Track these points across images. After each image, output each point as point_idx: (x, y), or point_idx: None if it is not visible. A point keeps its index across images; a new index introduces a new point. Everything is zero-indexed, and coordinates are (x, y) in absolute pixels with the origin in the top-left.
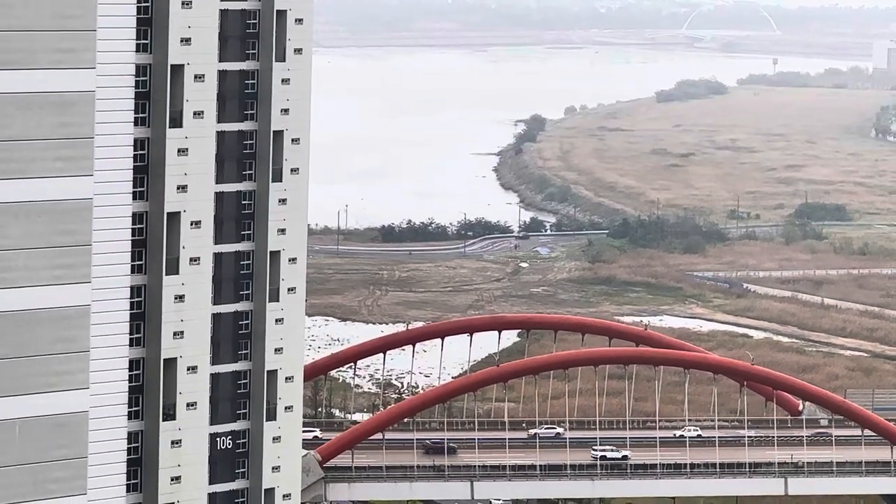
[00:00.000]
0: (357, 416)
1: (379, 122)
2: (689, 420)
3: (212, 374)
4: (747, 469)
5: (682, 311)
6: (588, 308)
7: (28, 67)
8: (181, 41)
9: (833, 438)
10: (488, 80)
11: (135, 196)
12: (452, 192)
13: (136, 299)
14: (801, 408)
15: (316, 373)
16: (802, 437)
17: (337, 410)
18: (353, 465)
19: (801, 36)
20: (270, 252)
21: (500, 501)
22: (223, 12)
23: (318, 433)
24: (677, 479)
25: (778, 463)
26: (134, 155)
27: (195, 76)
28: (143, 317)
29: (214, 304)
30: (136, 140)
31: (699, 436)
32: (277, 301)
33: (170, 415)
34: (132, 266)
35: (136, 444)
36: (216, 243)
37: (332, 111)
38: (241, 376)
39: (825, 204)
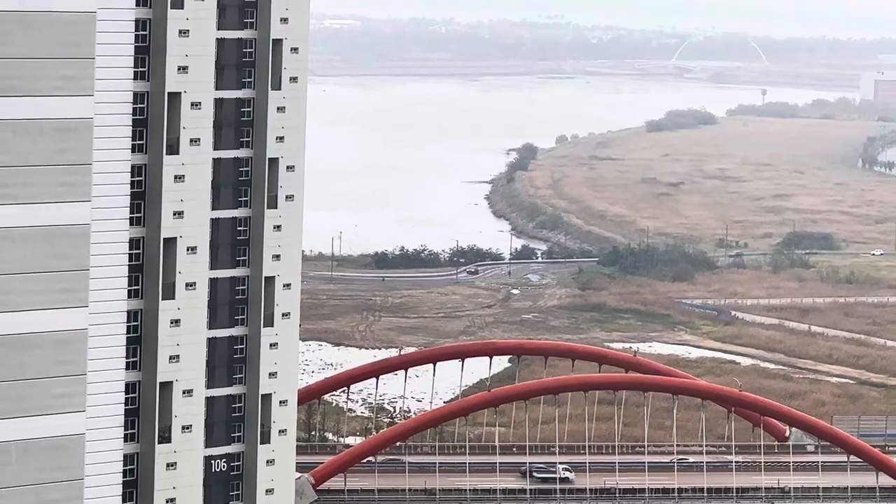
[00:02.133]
0: (350, 440)
1: (373, 149)
2: (677, 446)
3: (207, 398)
4: (734, 494)
5: (671, 337)
6: (578, 334)
7: (27, 94)
8: (178, 69)
9: (819, 464)
10: (481, 109)
11: (132, 221)
12: (445, 219)
13: (133, 323)
14: (787, 434)
15: (310, 397)
16: (789, 462)
17: (330, 434)
18: (345, 489)
19: (789, 67)
20: (265, 277)
21: None
22: (220, 41)
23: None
24: (665, 503)
25: (765, 488)
26: (131, 181)
27: (192, 104)
28: (140, 341)
29: (210, 329)
30: (133, 166)
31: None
32: (272, 326)
33: (165, 437)
34: (129, 291)
35: (131, 467)
36: (212, 269)
37: (326, 139)
38: (236, 400)
39: (812, 233)
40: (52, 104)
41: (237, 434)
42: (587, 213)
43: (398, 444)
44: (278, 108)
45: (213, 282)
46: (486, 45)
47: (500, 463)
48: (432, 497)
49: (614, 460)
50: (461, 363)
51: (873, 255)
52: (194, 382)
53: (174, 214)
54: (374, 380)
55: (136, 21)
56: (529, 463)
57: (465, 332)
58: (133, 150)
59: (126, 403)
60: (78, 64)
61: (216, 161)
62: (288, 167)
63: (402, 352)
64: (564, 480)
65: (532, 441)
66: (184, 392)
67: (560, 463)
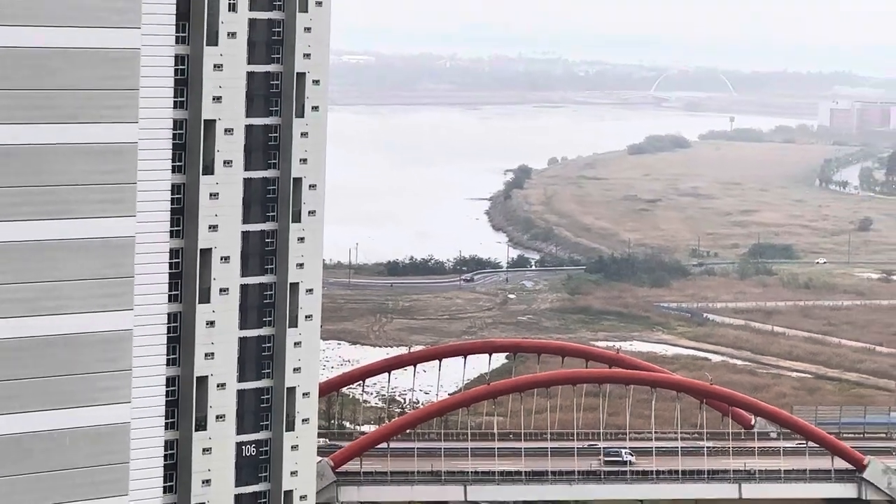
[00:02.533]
0: (365, 428)
1: (386, 170)
2: (655, 433)
3: (238, 391)
4: (706, 475)
5: (650, 337)
6: (567, 334)
7: (79, 122)
8: (213, 99)
9: (781, 449)
10: (481, 134)
11: (172, 234)
12: (449, 232)
13: (173, 324)
14: (753, 422)
15: (329, 389)
16: (754, 448)
17: (347, 423)
18: (361, 471)
19: (755, 97)
20: (290, 284)
21: None
22: (250, 74)
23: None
24: (645, 483)
25: (733, 470)
26: (171, 198)
27: (225, 130)
28: (179, 340)
29: (241, 329)
30: (173, 185)
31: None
32: (296, 327)
33: (201, 426)
34: (169, 295)
35: (171, 452)
36: (243, 276)
37: (344, 161)
38: (264, 392)
39: (775, 244)
40: (101, 130)
41: (265, 423)
42: (575, 227)
43: (408, 431)
44: (302, 134)
45: (244, 287)
46: (486, 78)
47: (497, 448)
48: (438, 478)
49: (600, 445)
50: (463, 360)
51: (817, 263)
52: (227, 377)
53: (209, 228)
54: (386, 374)
55: (176, 56)
56: (603, 448)
57: (467, 332)
58: (173, 171)
59: (166, 396)
60: (124, 94)
61: (246, 180)
62: (310, 186)
63: (412, 350)
64: (629, 463)
65: (526, 429)
66: (218, 385)
67: (624, 448)
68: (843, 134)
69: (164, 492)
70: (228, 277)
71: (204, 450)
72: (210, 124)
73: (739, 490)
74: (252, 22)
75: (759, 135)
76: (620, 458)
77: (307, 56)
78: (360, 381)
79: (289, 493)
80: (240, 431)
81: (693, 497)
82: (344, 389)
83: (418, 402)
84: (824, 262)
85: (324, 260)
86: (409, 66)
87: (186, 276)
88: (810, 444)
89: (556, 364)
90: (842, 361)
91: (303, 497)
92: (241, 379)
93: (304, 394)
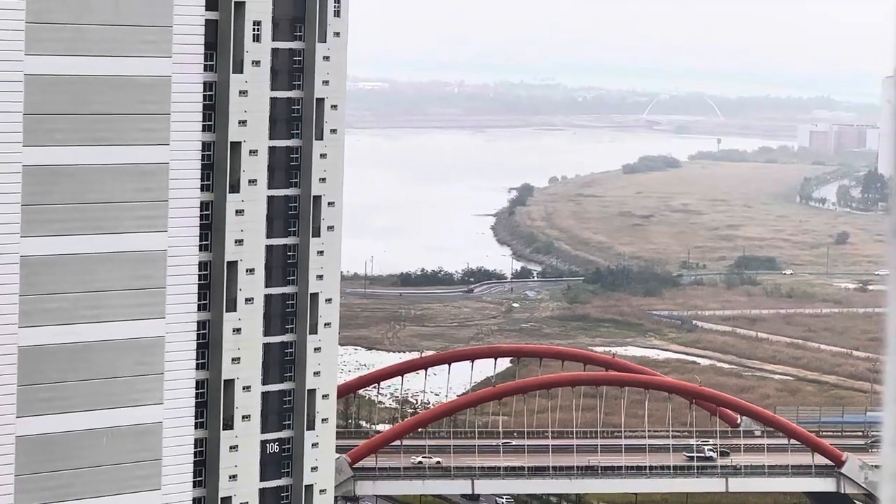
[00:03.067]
0: (380, 427)
1: (398, 188)
2: (648, 431)
3: (263, 393)
4: (696, 470)
5: (643, 342)
6: (567, 340)
7: (116, 144)
8: (239, 123)
9: (765, 446)
10: (487, 155)
11: (201, 248)
12: (458, 246)
13: (202, 331)
14: (739, 421)
15: (347, 391)
16: (740, 444)
17: (364, 422)
18: (377, 466)
19: (739, 120)
20: (310, 294)
21: (504, 500)
22: (273, 100)
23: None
24: (639, 478)
25: (720, 466)
26: (200, 215)
27: (250, 151)
28: (207, 346)
29: (265, 336)
30: (201, 203)
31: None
32: (316, 333)
33: (229, 425)
34: (198, 305)
35: (200, 449)
36: (266, 287)
37: (360, 180)
38: (287, 394)
39: (759, 256)
40: (135, 152)
41: (288, 422)
42: (574, 241)
43: (420, 430)
44: (321, 155)
45: (268, 297)
46: (492, 103)
47: (502, 445)
48: (447, 473)
49: (597, 443)
50: (471, 364)
51: (784, 274)
52: (252, 380)
53: (235, 242)
54: (399, 377)
55: (204, 83)
56: (695, 445)
57: (474, 339)
58: (202, 190)
59: (196, 397)
60: (156, 119)
61: (270, 198)
62: (329, 203)
63: (423, 354)
64: (709, 458)
65: (529, 427)
66: (244, 388)
67: (706, 445)
68: (822, 154)
69: (194, 486)
70: (253, 288)
71: (231, 447)
72: (236, 146)
73: (726, 484)
74: (275, 51)
75: (743, 155)
76: (704, 455)
77: (326, 83)
78: (376, 384)
79: (309, 488)
80: (264, 430)
81: (683, 490)
82: (360, 391)
83: (429, 403)
84: (791, 273)
85: (341, 271)
86: (420, 91)
87: (214, 286)
88: (792, 441)
89: (557, 367)
90: (821, 365)
91: (322, 491)
92: (265, 382)
93: (323, 395)
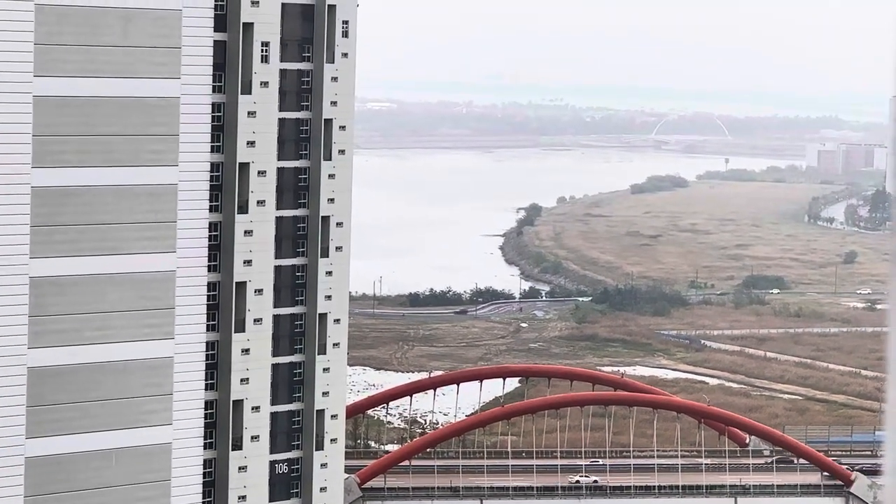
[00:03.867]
0: (389, 447)
1: (407, 209)
2: (657, 451)
3: (271, 413)
4: (704, 490)
5: (652, 362)
6: (575, 360)
7: (125, 165)
8: (247, 143)
9: (774, 465)
10: (495, 175)
11: (210, 269)
12: (466, 266)
13: (211, 352)
14: (747, 441)
15: (355, 411)
16: (749, 464)
17: (372, 442)
18: (385, 487)
19: (747, 140)
20: (319, 314)
21: None
22: (281, 120)
23: None
24: (648, 498)
25: (729, 485)
26: (209, 235)
27: (258, 172)
28: (216, 366)
29: (274, 356)
30: (210, 223)
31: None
32: (325, 353)
33: (237, 445)
34: (207, 325)
35: (210, 469)
36: (275, 307)
37: (369, 201)
38: (295, 414)
39: (767, 276)
40: (144, 173)
41: (296, 442)
42: (583, 261)
43: (428, 450)
44: (329, 175)
45: (277, 318)
46: (500, 123)
47: (511, 465)
48: (456, 493)
49: (606, 463)
50: (479, 384)
51: (771, 293)
52: (261, 400)
53: (244, 263)
54: (408, 397)
55: (213, 104)
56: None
57: (482, 359)
58: (210, 210)
59: (205, 418)
60: (165, 140)
61: (278, 219)
62: (337, 223)
63: (431, 375)
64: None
65: (538, 447)
66: (252, 408)
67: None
68: (830, 174)
69: None
70: (262, 308)
71: (240, 468)
72: (244, 167)
73: (735, 503)
74: (283, 72)
75: (751, 175)
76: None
77: (334, 103)
78: (384, 404)
79: None
80: (273, 451)
81: None
82: (369, 411)
83: (438, 423)
84: (777, 292)
85: (350, 292)
86: (428, 112)
87: (223, 307)
88: (801, 460)
89: (565, 387)
90: (830, 384)
91: None
92: (274, 402)
93: (332, 416)
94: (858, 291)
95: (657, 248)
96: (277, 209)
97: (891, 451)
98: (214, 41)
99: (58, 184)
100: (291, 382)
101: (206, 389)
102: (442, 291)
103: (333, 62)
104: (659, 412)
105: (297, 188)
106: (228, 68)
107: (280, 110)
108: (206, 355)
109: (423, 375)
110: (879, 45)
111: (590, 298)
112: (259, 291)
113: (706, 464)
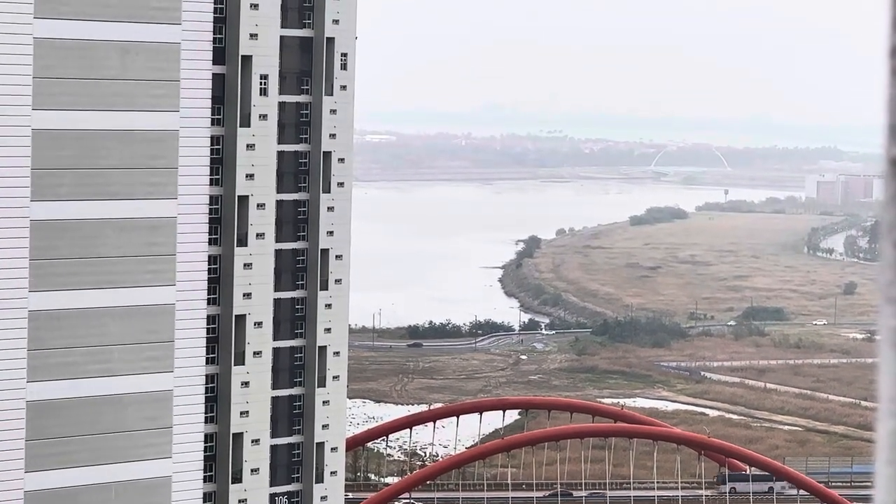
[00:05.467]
0: (389, 479)
1: (406, 241)
2: (657, 483)
3: (271, 446)
4: None
5: (651, 393)
6: (575, 392)
7: (124, 198)
8: (246, 176)
9: (774, 497)
10: (494, 207)
11: (209, 302)
12: (465, 298)
13: (210, 385)
14: (747, 472)
15: (355, 444)
16: (749, 495)
17: (373, 475)
18: None
19: (746, 171)
20: (319, 347)
21: None
22: (280, 153)
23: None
24: None
25: None
26: (208, 268)
27: (257, 205)
28: (216, 399)
29: (273, 389)
30: (209, 256)
31: None
32: (324, 386)
33: (237, 479)
34: (207, 358)
35: (210, 503)
36: (275, 340)
37: (368, 233)
38: (295, 447)
39: (767, 307)
40: (143, 206)
41: (296, 475)
42: (582, 292)
43: (428, 482)
44: (328, 208)
45: (276, 350)
46: (498, 155)
47: (511, 498)
48: None
49: (606, 494)
50: (479, 416)
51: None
52: (261, 433)
53: (243, 296)
54: (408, 430)
55: (212, 137)
56: None
57: (482, 391)
58: (210, 243)
59: (205, 451)
60: (164, 172)
61: (278, 251)
62: (337, 256)
63: (431, 407)
64: None
65: (538, 479)
66: (252, 441)
67: None
68: (829, 205)
69: None
70: (261, 341)
71: (240, 501)
72: (244, 200)
73: None
74: (282, 105)
75: (751, 206)
76: None
77: (333, 136)
78: (384, 437)
79: None
80: (273, 483)
81: None
82: (369, 444)
83: (438, 456)
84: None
85: (349, 324)
86: (427, 144)
87: (222, 340)
88: (801, 492)
89: (565, 419)
90: (830, 415)
91: None
92: (273, 435)
93: (332, 448)
94: (858, 322)
95: (657, 280)
96: (277, 242)
97: (881, 486)
98: (213, 74)
99: (56, 217)
100: (291, 415)
101: (205, 422)
102: (442, 324)
103: (332, 94)
104: (659, 444)
105: (296, 221)
106: (227, 101)
107: (279, 143)
108: (206, 388)
109: (423, 408)
110: (878, 76)
111: (589, 330)
112: (259, 324)
113: (706, 495)
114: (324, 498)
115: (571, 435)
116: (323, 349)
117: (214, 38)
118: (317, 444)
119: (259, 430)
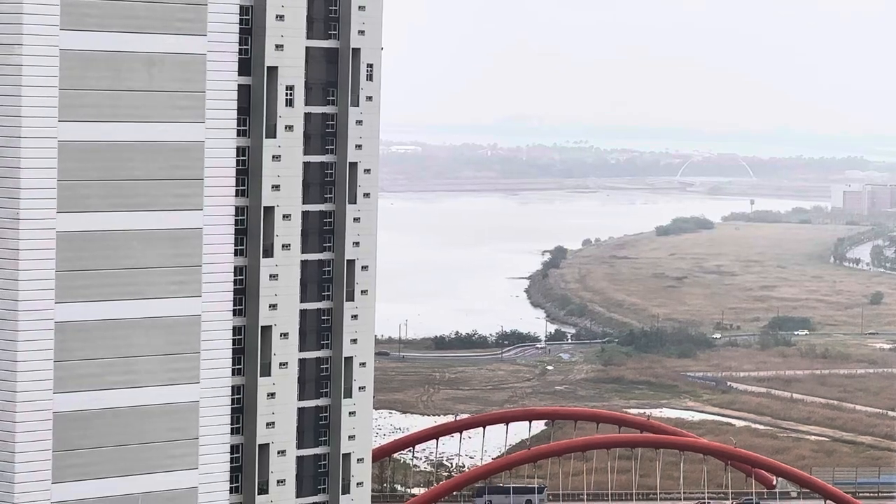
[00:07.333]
0: (415, 490)
1: (432, 252)
2: (684, 493)
3: (297, 457)
4: None
5: (678, 404)
6: (601, 402)
7: (151, 209)
8: (272, 187)
9: None
10: (520, 218)
11: (235, 313)
12: (492, 309)
13: (236, 396)
14: (774, 482)
15: (382, 455)
16: None
17: (399, 486)
18: None
19: (772, 181)
20: (345, 357)
21: None
22: (306, 164)
23: None
24: None
25: None
26: (234, 279)
27: (283, 216)
28: (242, 410)
29: (299, 400)
30: (235, 267)
31: None
32: (351, 397)
33: (263, 490)
34: (233, 369)
35: None
36: (301, 351)
37: (394, 244)
38: (322, 458)
39: (793, 317)
40: (169, 217)
41: (323, 486)
42: (608, 303)
43: (455, 493)
44: (354, 219)
45: (302, 361)
46: (524, 166)
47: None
48: None
49: None
50: (506, 426)
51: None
52: (287, 444)
53: (269, 307)
54: (434, 441)
55: (238, 148)
56: None
57: (508, 401)
58: (235, 254)
59: (231, 462)
60: (190, 184)
61: (303, 262)
62: (363, 267)
63: (457, 418)
64: None
65: (564, 490)
66: (278, 452)
67: None
68: (856, 214)
69: None
70: (287, 352)
71: None
72: (269, 210)
73: None
74: (308, 116)
75: (777, 216)
76: None
77: (359, 147)
78: (410, 447)
79: None
80: (299, 495)
81: None
82: (395, 455)
83: (464, 467)
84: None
85: (375, 335)
86: (453, 155)
87: (248, 351)
88: (828, 502)
89: (592, 430)
90: (857, 425)
91: None
92: (300, 446)
93: (358, 459)
94: (885, 332)
95: (683, 290)
96: (303, 253)
97: None
98: (239, 85)
99: (83, 228)
100: (317, 426)
101: (231, 433)
102: (468, 334)
103: (358, 105)
104: (685, 454)
105: (322, 232)
106: (253, 112)
107: (305, 154)
108: (232, 399)
109: (450, 418)
110: None
111: (616, 341)
112: (285, 335)
113: None
114: None
115: (598, 445)
116: (349, 360)
117: (240, 49)
118: (343, 454)
119: (285, 441)
